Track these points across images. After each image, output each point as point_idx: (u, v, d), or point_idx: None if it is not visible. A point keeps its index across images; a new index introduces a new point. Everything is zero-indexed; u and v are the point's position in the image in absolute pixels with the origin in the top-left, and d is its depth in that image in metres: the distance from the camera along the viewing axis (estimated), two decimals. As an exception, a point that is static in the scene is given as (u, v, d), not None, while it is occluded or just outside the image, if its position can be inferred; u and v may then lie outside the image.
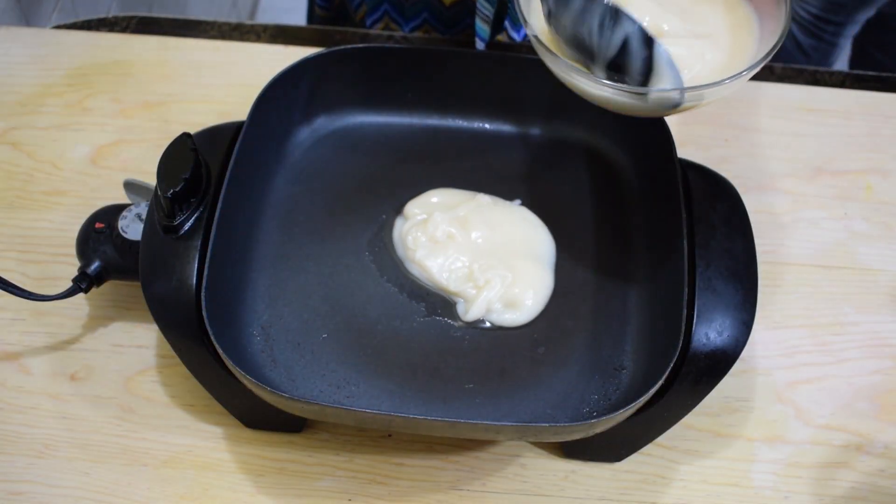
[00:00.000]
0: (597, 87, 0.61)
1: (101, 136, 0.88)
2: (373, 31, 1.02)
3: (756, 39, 0.64)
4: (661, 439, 0.71)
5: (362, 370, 0.68)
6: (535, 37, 0.62)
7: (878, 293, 0.81)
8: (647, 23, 0.63)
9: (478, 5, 0.90)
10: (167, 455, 0.71)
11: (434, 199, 0.76)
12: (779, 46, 0.60)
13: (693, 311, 0.64)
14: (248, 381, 0.61)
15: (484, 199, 0.76)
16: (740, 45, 0.64)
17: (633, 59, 0.63)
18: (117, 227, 0.72)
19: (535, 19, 0.66)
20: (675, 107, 0.63)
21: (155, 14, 1.01)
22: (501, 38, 0.95)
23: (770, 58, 0.60)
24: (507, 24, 0.92)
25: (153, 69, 0.93)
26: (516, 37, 0.93)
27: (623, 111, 0.64)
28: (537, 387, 0.67)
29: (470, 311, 0.70)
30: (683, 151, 0.72)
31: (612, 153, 0.79)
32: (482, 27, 0.92)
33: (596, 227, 0.75)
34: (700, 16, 0.65)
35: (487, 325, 0.70)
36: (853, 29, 1.52)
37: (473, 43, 0.93)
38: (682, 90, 0.61)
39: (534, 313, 0.71)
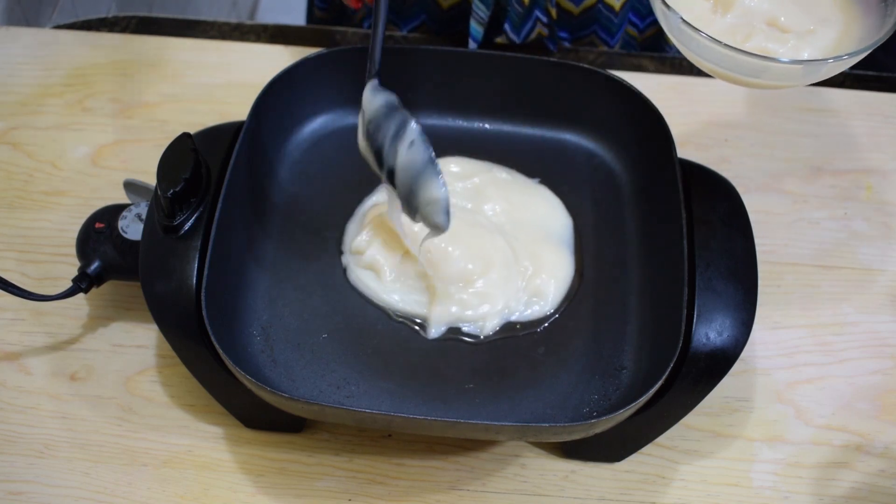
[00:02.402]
0: (752, 61, 0.62)
1: (101, 136, 0.88)
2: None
3: (863, 17, 0.66)
4: (661, 439, 0.71)
5: (362, 370, 0.68)
6: (682, 19, 0.62)
7: (878, 293, 0.81)
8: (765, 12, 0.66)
9: (473, 7, 0.90)
10: (167, 455, 0.71)
11: (454, 168, 0.77)
12: (888, 35, 0.62)
13: (693, 311, 0.64)
14: (248, 381, 0.61)
15: (501, 174, 0.76)
16: (850, 30, 0.66)
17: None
18: (117, 227, 0.72)
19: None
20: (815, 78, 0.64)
21: (155, 14, 1.01)
22: (501, 40, 0.95)
23: (878, 44, 0.62)
24: (506, 27, 0.92)
25: (153, 69, 0.93)
26: (516, 39, 0.93)
27: (764, 86, 0.66)
28: (537, 387, 0.67)
29: (432, 327, 0.70)
30: (683, 151, 0.72)
31: (612, 153, 0.79)
32: (476, 29, 0.92)
33: (596, 228, 0.75)
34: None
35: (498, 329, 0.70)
36: (853, 29, 1.52)
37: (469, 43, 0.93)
38: (814, 62, 0.62)
39: (557, 301, 0.71)
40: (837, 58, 0.61)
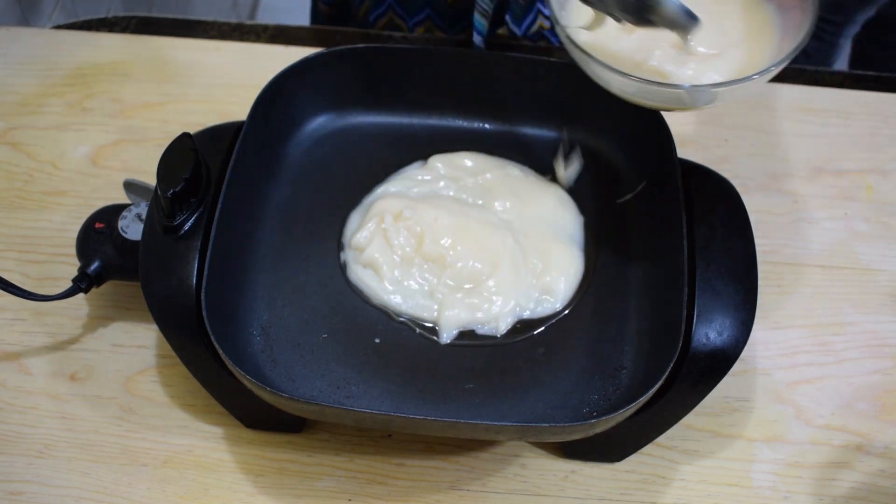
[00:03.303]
0: (628, 82, 0.61)
1: (101, 136, 0.88)
2: (372, 31, 1.02)
3: (778, 37, 0.64)
4: (661, 439, 0.71)
5: (362, 370, 0.68)
6: (568, 37, 0.61)
7: (878, 293, 0.81)
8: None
9: (477, 0, 0.90)
10: (167, 455, 0.71)
11: (468, 163, 0.77)
12: (805, 44, 0.60)
13: (693, 311, 0.64)
14: (248, 381, 0.61)
15: (514, 171, 0.76)
16: (760, 45, 0.65)
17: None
18: (117, 227, 0.72)
19: (568, 19, 0.66)
20: (705, 102, 0.63)
21: (155, 14, 1.01)
22: (502, 31, 0.95)
23: (795, 54, 0.60)
24: (507, 18, 0.92)
25: (153, 69, 0.93)
26: (517, 31, 0.93)
27: (650, 105, 0.64)
28: (537, 387, 0.67)
29: (444, 332, 0.70)
30: (683, 151, 0.72)
31: (612, 153, 0.79)
32: (480, 21, 0.92)
33: (596, 228, 0.75)
34: (721, 17, 0.66)
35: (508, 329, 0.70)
36: (853, 29, 1.52)
37: (473, 43, 0.93)
38: (713, 86, 0.61)
39: (567, 298, 0.71)
40: (717, 84, 0.60)
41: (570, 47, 0.62)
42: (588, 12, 0.64)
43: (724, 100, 0.63)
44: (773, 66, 0.59)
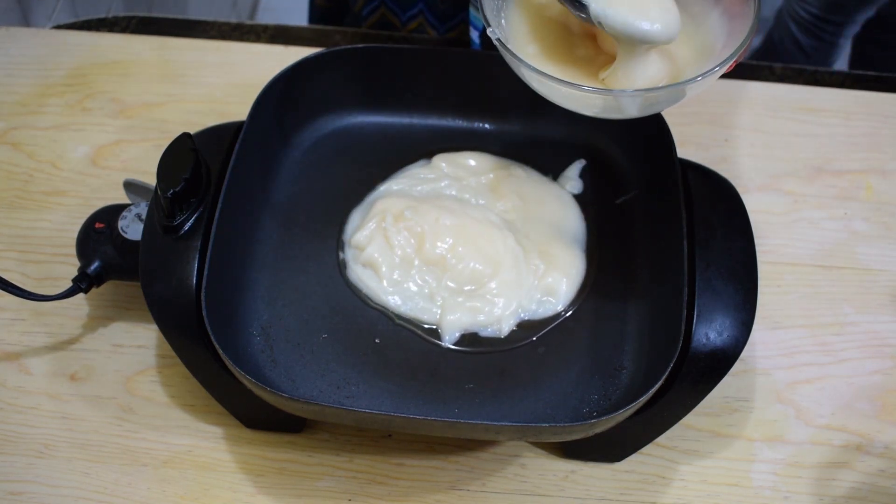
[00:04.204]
0: (559, 87, 0.61)
1: (101, 136, 0.88)
2: (372, 32, 1.02)
3: (721, 38, 0.64)
4: (661, 439, 0.71)
5: (362, 370, 0.68)
6: (498, 39, 0.61)
7: (878, 293, 0.81)
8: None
9: None
10: (167, 455, 0.71)
11: (471, 162, 0.77)
12: (748, 43, 0.60)
13: (693, 311, 0.64)
14: (248, 381, 0.61)
15: (517, 171, 0.76)
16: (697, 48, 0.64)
17: None
18: (117, 227, 0.72)
19: (498, 22, 0.65)
20: (645, 108, 0.63)
21: (155, 14, 1.01)
22: None
23: (739, 54, 0.60)
24: None
25: (153, 69, 0.93)
26: None
27: (589, 112, 0.64)
28: (537, 387, 0.67)
29: (447, 334, 0.70)
30: (683, 151, 0.72)
31: (612, 153, 0.79)
32: (477, 16, 0.91)
33: (596, 228, 0.75)
34: None
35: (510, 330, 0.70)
36: (853, 29, 1.52)
37: (470, 39, 0.93)
38: (640, 92, 0.61)
39: (568, 299, 0.71)
40: (638, 91, 0.60)
41: (501, 50, 0.61)
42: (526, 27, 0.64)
43: (667, 102, 0.62)
44: (701, 75, 0.59)
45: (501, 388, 0.67)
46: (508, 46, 0.61)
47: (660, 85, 0.63)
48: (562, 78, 0.60)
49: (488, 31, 0.62)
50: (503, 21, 0.66)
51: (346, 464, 0.71)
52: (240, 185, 0.69)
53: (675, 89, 0.60)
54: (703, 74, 0.59)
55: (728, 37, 0.63)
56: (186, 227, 0.66)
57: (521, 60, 0.60)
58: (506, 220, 0.74)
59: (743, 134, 0.90)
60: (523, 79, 0.63)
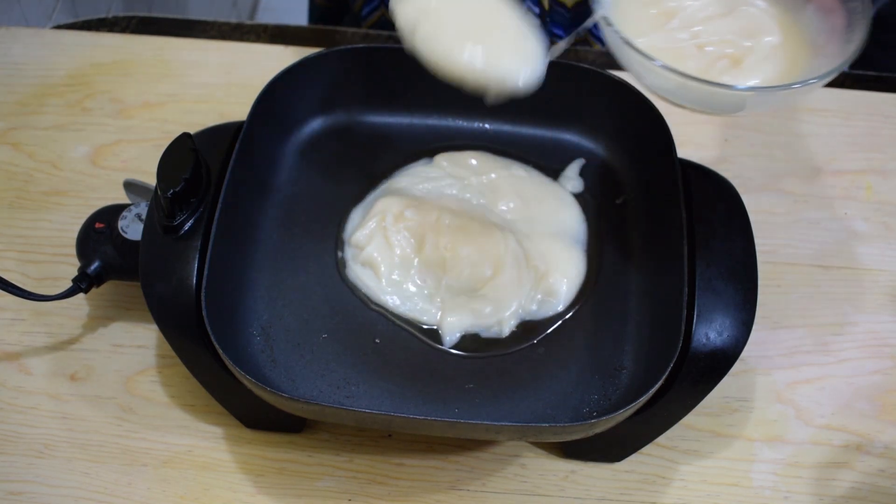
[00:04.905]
0: (671, 76, 0.59)
1: (101, 136, 0.88)
2: (372, 32, 1.02)
3: (819, 42, 0.64)
4: (661, 439, 0.71)
5: (362, 370, 0.68)
6: (616, 30, 0.60)
7: (878, 293, 0.81)
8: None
9: None
10: (167, 455, 0.71)
11: (473, 162, 0.77)
12: (858, 52, 0.61)
13: (693, 311, 0.64)
14: (248, 381, 0.61)
15: (519, 171, 0.76)
16: (796, 53, 0.64)
17: None
18: (117, 227, 0.72)
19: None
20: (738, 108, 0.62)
21: (155, 14, 1.01)
22: None
23: (849, 62, 0.61)
24: None
25: (153, 69, 0.93)
26: None
27: (687, 106, 0.63)
28: (537, 387, 0.67)
29: (447, 336, 0.70)
30: (683, 151, 0.72)
31: (612, 153, 0.79)
32: None
33: (596, 228, 0.75)
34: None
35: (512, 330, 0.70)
36: (853, 29, 1.52)
37: None
38: (761, 89, 0.60)
39: (569, 300, 0.71)
40: (786, 86, 0.59)
41: (623, 47, 0.60)
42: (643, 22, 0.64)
43: (758, 108, 0.62)
44: (814, 78, 0.59)
45: (501, 389, 0.67)
46: (621, 32, 0.59)
47: (776, 84, 0.62)
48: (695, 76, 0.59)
49: (607, 31, 0.60)
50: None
51: (346, 464, 0.71)
52: (240, 184, 0.69)
53: (808, 86, 0.59)
54: (821, 76, 0.59)
55: (830, 33, 0.63)
56: (186, 227, 0.66)
57: (649, 57, 0.59)
58: (507, 220, 0.74)
59: (743, 134, 0.90)
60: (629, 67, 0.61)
